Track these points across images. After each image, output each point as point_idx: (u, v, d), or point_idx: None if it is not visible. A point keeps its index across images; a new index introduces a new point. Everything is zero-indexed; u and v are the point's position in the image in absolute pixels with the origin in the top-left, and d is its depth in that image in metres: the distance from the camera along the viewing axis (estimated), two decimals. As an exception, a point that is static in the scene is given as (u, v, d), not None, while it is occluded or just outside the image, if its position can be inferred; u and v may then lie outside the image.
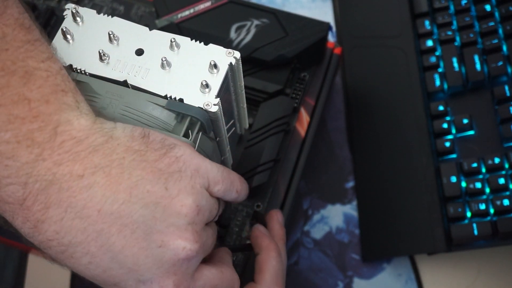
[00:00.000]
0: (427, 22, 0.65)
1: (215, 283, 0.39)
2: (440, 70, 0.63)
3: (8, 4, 0.36)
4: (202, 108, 0.40)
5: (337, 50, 0.62)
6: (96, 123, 0.36)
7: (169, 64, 0.41)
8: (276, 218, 0.53)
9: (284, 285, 0.47)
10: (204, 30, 0.58)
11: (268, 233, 0.50)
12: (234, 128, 0.50)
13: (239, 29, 0.58)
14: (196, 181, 0.37)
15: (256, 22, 0.59)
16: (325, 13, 0.72)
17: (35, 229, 0.35)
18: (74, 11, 0.42)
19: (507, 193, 0.56)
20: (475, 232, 0.56)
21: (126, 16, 0.64)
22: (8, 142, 0.34)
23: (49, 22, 0.64)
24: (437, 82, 0.62)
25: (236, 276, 0.43)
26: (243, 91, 0.47)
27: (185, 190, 0.36)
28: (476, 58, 0.62)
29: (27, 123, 0.34)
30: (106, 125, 0.37)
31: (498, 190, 0.57)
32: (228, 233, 0.55)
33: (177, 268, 0.36)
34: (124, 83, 0.41)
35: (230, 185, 0.40)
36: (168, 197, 0.36)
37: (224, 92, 0.42)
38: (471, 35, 0.63)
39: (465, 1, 0.64)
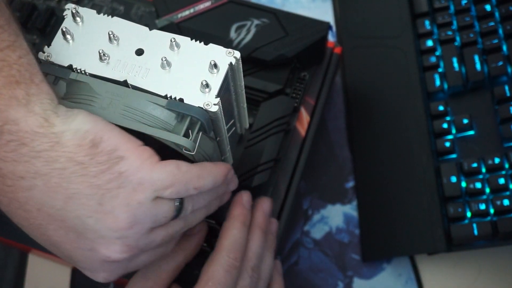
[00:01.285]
0: (427, 22, 0.65)
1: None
2: (440, 70, 0.63)
3: None
4: (202, 108, 0.40)
5: (337, 50, 0.62)
6: (44, 126, 0.36)
7: (169, 64, 0.41)
8: (260, 207, 0.52)
9: (242, 259, 0.48)
10: (204, 30, 0.58)
11: (247, 205, 0.51)
12: (234, 128, 0.50)
13: (239, 29, 0.58)
14: (135, 198, 0.38)
15: (256, 22, 0.59)
16: (325, 13, 0.72)
17: None
18: (74, 11, 0.42)
19: (507, 193, 0.56)
20: (475, 232, 0.56)
21: (126, 16, 0.64)
22: None
23: (49, 22, 0.64)
24: (437, 82, 0.62)
25: None
26: (243, 91, 0.47)
27: (119, 207, 0.38)
28: (476, 58, 0.62)
29: None
30: (55, 128, 0.37)
31: (498, 190, 0.57)
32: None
33: (107, 267, 0.40)
34: (124, 83, 0.41)
35: (184, 186, 0.40)
36: (101, 212, 0.37)
37: (224, 92, 0.42)
38: (471, 35, 0.63)
39: (465, 1, 0.64)
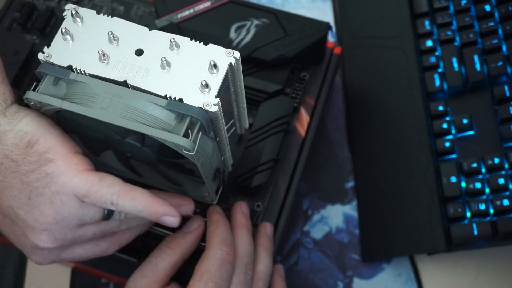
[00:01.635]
0: (427, 22, 0.65)
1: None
2: (440, 70, 0.63)
3: None
4: (202, 108, 0.40)
5: (337, 50, 0.62)
6: None
7: (169, 64, 0.41)
8: (239, 209, 0.53)
9: (234, 254, 0.49)
10: (204, 30, 0.58)
11: (221, 212, 0.52)
12: (234, 128, 0.50)
13: (239, 29, 0.58)
14: (58, 198, 0.42)
15: (256, 22, 0.59)
16: (325, 13, 0.72)
17: None
18: (73, 12, 0.42)
19: (507, 193, 0.56)
20: (475, 232, 0.56)
21: (126, 16, 0.64)
22: None
23: (49, 22, 0.64)
24: (437, 82, 0.62)
25: None
26: (243, 91, 0.47)
27: (44, 203, 0.42)
28: (476, 58, 0.62)
29: None
30: (1, 127, 0.42)
31: (498, 190, 0.57)
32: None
33: (39, 252, 0.44)
34: (124, 83, 0.41)
35: (100, 198, 0.42)
36: (29, 205, 0.42)
37: (224, 92, 0.42)
38: (471, 35, 0.63)
39: (465, 1, 0.64)
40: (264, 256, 0.52)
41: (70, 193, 0.42)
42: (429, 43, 0.64)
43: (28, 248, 0.45)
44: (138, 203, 0.43)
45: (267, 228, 0.54)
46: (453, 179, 0.58)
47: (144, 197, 0.43)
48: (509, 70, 0.61)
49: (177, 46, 0.42)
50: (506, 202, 0.55)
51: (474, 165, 0.58)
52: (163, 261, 0.49)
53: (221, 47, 0.42)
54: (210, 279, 0.47)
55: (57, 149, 0.42)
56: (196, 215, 0.53)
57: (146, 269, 0.49)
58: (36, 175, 0.42)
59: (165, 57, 0.41)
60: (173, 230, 0.53)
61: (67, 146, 0.43)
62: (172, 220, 0.44)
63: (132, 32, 0.42)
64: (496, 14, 0.63)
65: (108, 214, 0.45)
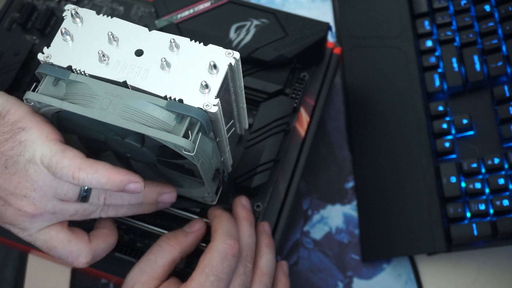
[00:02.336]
0: (426, 22, 0.65)
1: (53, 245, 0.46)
2: (439, 70, 0.63)
3: None
4: (201, 109, 0.40)
5: (337, 50, 0.62)
6: None
7: (168, 65, 0.41)
8: (240, 203, 0.54)
9: (238, 247, 0.49)
10: (203, 31, 0.58)
11: (222, 209, 0.53)
12: (234, 129, 0.50)
13: (238, 29, 0.58)
14: (31, 166, 0.43)
15: (255, 22, 0.59)
16: (325, 13, 0.72)
17: None
18: (73, 12, 0.42)
19: (507, 193, 0.56)
20: (475, 232, 0.56)
21: (125, 16, 0.64)
22: None
23: (49, 22, 0.64)
24: (437, 82, 0.62)
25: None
26: (243, 92, 0.47)
27: (21, 172, 0.43)
28: (476, 58, 0.62)
29: None
30: None
31: (497, 191, 0.57)
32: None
33: (21, 219, 0.44)
34: (124, 84, 0.41)
35: (60, 169, 0.43)
36: (7, 173, 0.43)
37: (224, 93, 0.42)
38: (471, 35, 0.63)
39: (465, 2, 0.64)
40: (267, 251, 0.52)
41: (38, 162, 0.43)
42: (429, 43, 0.64)
43: (11, 215, 0.45)
44: (101, 175, 0.43)
45: (265, 227, 0.54)
46: (453, 179, 0.58)
47: (106, 169, 0.43)
48: (509, 70, 0.61)
49: (177, 46, 0.42)
50: (506, 202, 0.55)
51: (474, 165, 0.58)
52: (162, 258, 0.49)
53: (221, 48, 0.42)
54: (212, 272, 0.47)
55: (29, 118, 0.43)
56: (199, 218, 0.53)
57: (145, 266, 0.49)
58: (10, 144, 0.43)
59: (165, 58, 0.41)
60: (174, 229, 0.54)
61: (37, 115, 0.44)
62: (138, 186, 0.44)
63: (132, 33, 0.43)
64: (496, 14, 0.63)
65: (84, 197, 0.45)
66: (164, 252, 0.50)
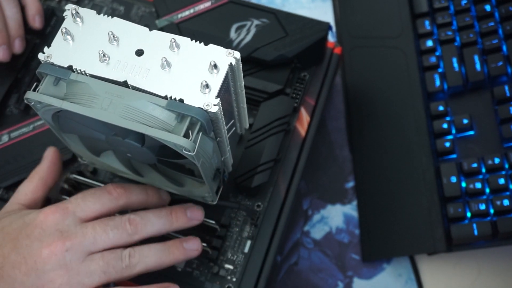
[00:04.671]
0: (427, 22, 0.65)
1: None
2: (440, 70, 0.63)
3: None
4: (202, 108, 0.40)
5: (337, 50, 0.63)
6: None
7: (169, 65, 0.41)
8: (186, 207, 0.52)
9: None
10: (204, 30, 0.58)
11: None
12: (234, 128, 0.50)
13: (239, 29, 0.58)
14: None
15: (256, 22, 0.59)
16: (325, 13, 0.72)
17: None
18: (74, 12, 0.42)
19: (507, 193, 0.56)
20: (475, 232, 0.56)
21: (126, 16, 0.64)
22: None
23: (49, 22, 0.64)
24: (437, 82, 0.62)
25: None
26: (243, 91, 0.47)
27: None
28: (476, 58, 0.62)
29: None
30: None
31: (498, 190, 0.57)
32: (229, 232, 0.55)
33: None
34: (124, 84, 0.41)
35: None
36: None
37: (224, 92, 0.42)
38: (471, 35, 0.63)
39: (465, 1, 0.64)
40: (157, 216, 0.49)
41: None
42: (429, 43, 0.64)
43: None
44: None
45: (194, 211, 0.51)
46: (453, 179, 0.58)
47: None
48: (509, 70, 0.61)
49: (177, 46, 0.42)
50: (506, 202, 0.55)
51: (474, 165, 0.58)
52: (23, 187, 0.51)
53: (221, 48, 0.42)
54: (82, 196, 0.48)
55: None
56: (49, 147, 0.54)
57: (11, 198, 0.51)
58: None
59: (165, 57, 0.41)
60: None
61: None
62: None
63: (132, 32, 0.43)
64: (496, 14, 0.63)
65: None
66: (26, 182, 0.52)
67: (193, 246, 0.50)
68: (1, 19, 0.58)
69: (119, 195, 0.49)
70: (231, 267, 0.54)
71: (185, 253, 0.49)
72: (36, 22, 0.61)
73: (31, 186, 0.51)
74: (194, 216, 0.51)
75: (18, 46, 0.60)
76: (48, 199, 0.57)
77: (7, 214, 0.49)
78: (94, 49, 0.42)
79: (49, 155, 0.53)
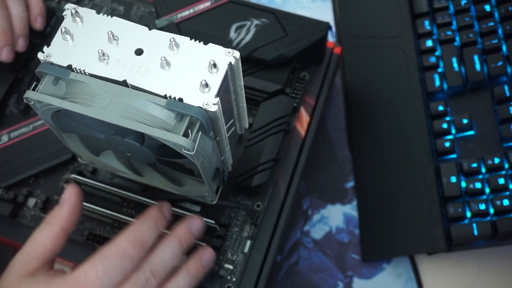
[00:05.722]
0: (427, 22, 0.65)
1: None
2: (440, 70, 0.63)
3: None
4: (201, 108, 0.40)
5: (337, 50, 0.63)
6: None
7: (168, 64, 0.41)
8: (187, 221, 0.50)
9: (140, 253, 0.46)
10: (204, 30, 0.58)
11: (166, 213, 0.50)
12: (234, 128, 0.50)
13: (239, 29, 0.58)
14: None
15: (256, 22, 0.59)
16: (325, 13, 0.72)
17: None
18: (73, 11, 0.42)
19: (507, 193, 0.56)
20: (475, 232, 0.56)
21: (126, 16, 0.64)
22: None
23: (49, 22, 0.64)
24: (437, 82, 0.62)
25: None
26: (243, 91, 0.47)
27: None
28: (476, 58, 0.62)
29: None
30: None
31: (498, 190, 0.57)
32: (229, 232, 0.55)
33: None
34: (124, 83, 0.41)
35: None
36: None
37: (224, 92, 0.42)
38: (471, 35, 0.63)
39: (465, 1, 0.64)
40: (183, 275, 0.48)
41: None
42: (429, 43, 0.64)
43: None
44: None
45: (204, 254, 0.50)
46: (453, 179, 0.58)
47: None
48: (509, 70, 0.61)
49: (177, 45, 0.42)
50: (506, 202, 0.55)
51: (474, 165, 0.58)
52: (42, 236, 0.46)
53: (221, 47, 0.42)
54: (102, 263, 0.44)
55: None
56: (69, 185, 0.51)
57: (26, 246, 0.46)
58: None
59: (164, 57, 0.41)
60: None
61: None
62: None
63: (132, 32, 0.42)
64: (496, 14, 0.63)
65: None
66: (43, 230, 0.47)
67: (209, 258, 0.50)
68: (7, 19, 0.58)
69: (139, 253, 0.45)
70: (231, 267, 0.54)
71: (205, 269, 0.49)
72: (37, 23, 0.61)
73: (51, 236, 0.46)
74: (195, 228, 0.50)
75: (21, 45, 0.59)
76: (47, 199, 0.57)
77: (30, 278, 0.45)
78: (93, 49, 0.42)
79: (71, 198, 0.48)
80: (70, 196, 0.48)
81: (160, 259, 0.46)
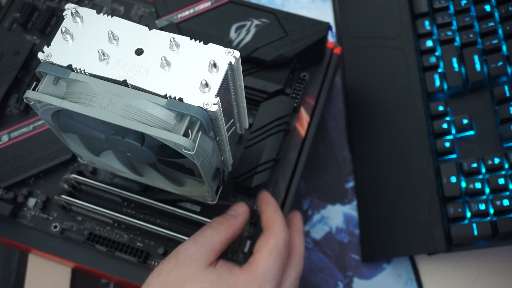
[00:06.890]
0: (427, 23, 0.65)
1: None
2: (440, 70, 0.63)
3: None
4: (201, 108, 0.40)
5: (337, 50, 0.63)
6: None
7: (168, 64, 0.41)
8: (299, 215, 0.54)
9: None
10: (204, 30, 0.58)
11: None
12: (234, 128, 0.50)
13: (239, 29, 0.58)
14: None
15: (256, 22, 0.59)
16: (325, 13, 0.72)
17: None
18: (73, 11, 0.42)
19: (507, 193, 0.56)
20: (475, 232, 0.56)
21: (126, 16, 0.64)
22: None
23: (49, 22, 0.64)
24: (437, 82, 0.62)
25: None
26: (243, 91, 0.47)
27: None
28: (476, 58, 0.62)
29: None
30: None
31: (498, 190, 0.57)
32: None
33: None
34: (124, 83, 0.41)
35: None
36: None
37: (224, 92, 0.42)
38: (471, 35, 0.63)
39: (465, 1, 0.64)
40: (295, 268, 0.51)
41: None
42: (429, 43, 0.64)
43: None
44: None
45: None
46: (453, 179, 0.58)
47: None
48: (509, 70, 0.61)
49: (177, 45, 0.42)
50: (506, 202, 0.55)
51: (474, 165, 0.58)
52: (219, 235, 0.48)
53: (221, 47, 0.42)
54: (280, 256, 0.47)
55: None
56: (239, 202, 0.53)
57: (203, 240, 0.48)
58: None
59: (165, 57, 0.41)
60: (179, 231, 0.54)
61: None
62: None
63: (132, 32, 0.42)
64: (496, 14, 0.63)
65: None
66: (221, 231, 0.49)
67: (239, 210, 0.52)
68: None
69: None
70: (230, 267, 0.54)
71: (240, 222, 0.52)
72: None
73: (227, 238, 0.49)
74: (238, 212, 0.52)
75: None
76: (47, 199, 0.57)
77: (212, 268, 0.46)
78: (93, 48, 0.42)
79: (246, 214, 0.52)
80: (243, 211, 0.52)
81: (300, 250, 0.51)
